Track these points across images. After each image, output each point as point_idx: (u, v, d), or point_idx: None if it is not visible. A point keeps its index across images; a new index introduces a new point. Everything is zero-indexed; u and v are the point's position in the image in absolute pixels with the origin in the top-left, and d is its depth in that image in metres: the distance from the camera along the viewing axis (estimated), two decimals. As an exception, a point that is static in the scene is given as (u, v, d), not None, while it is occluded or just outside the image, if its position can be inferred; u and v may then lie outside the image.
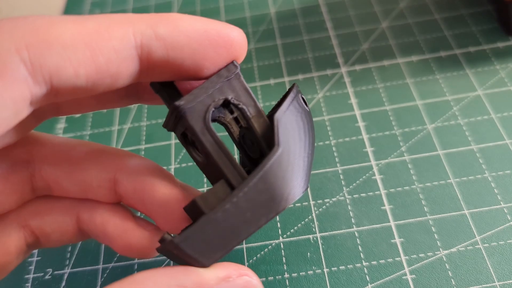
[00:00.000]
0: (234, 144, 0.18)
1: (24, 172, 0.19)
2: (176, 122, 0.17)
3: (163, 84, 0.18)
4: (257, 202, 0.16)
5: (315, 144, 0.28)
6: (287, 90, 0.19)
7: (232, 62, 0.17)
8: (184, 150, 0.30)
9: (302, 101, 0.19)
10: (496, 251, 0.23)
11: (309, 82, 0.32)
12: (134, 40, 0.15)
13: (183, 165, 0.29)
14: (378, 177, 0.27)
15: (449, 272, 0.23)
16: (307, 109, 0.19)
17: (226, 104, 0.17)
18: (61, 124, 0.33)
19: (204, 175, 0.18)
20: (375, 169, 0.27)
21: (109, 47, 0.15)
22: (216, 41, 0.16)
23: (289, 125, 0.17)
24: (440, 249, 0.23)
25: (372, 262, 0.23)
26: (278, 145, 0.17)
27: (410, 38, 0.34)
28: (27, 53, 0.14)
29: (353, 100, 0.31)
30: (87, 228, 0.20)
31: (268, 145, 0.17)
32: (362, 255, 0.24)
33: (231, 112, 0.18)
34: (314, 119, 0.30)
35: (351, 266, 0.23)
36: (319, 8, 0.37)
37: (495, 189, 0.25)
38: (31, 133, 0.20)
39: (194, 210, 0.17)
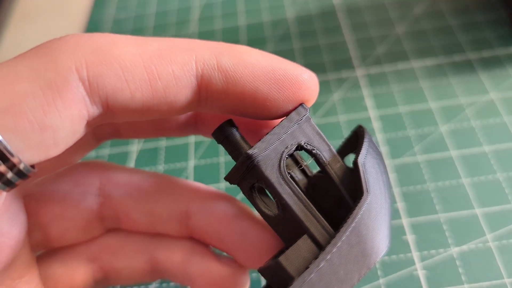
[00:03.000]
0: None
1: (94, 200, 0.18)
2: (245, 173, 0.15)
3: (227, 134, 0.16)
4: (350, 257, 0.15)
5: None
6: (354, 132, 0.18)
7: (301, 105, 0.16)
8: (205, 147, 0.31)
9: (374, 144, 0.17)
10: (506, 249, 0.24)
11: (325, 84, 0.33)
12: (195, 68, 0.14)
13: (202, 161, 0.30)
14: (391, 175, 0.27)
15: (459, 268, 0.23)
16: (380, 152, 0.18)
17: (298, 149, 0.16)
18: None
19: (273, 229, 0.16)
20: (388, 168, 0.28)
21: (168, 72, 0.14)
22: (282, 82, 0.15)
23: (372, 169, 0.16)
24: (451, 246, 0.24)
25: (384, 258, 0.24)
26: (368, 192, 0.15)
27: (424, 42, 0.35)
28: (86, 72, 0.13)
29: (368, 102, 0.32)
30: (163, 268, 0.19)
31: (349, 193, 0.16)
32: (374, 251, 0.24)
33: (296, 162, 0.17)
34: (329, 120, 0.31)
35: (364, 260, 0.24)
36: (335, 13, 0.38)
37: (505, 189, 0.26)
38: (102, 161, 0.20)
39: (275, 272, 0.15)
